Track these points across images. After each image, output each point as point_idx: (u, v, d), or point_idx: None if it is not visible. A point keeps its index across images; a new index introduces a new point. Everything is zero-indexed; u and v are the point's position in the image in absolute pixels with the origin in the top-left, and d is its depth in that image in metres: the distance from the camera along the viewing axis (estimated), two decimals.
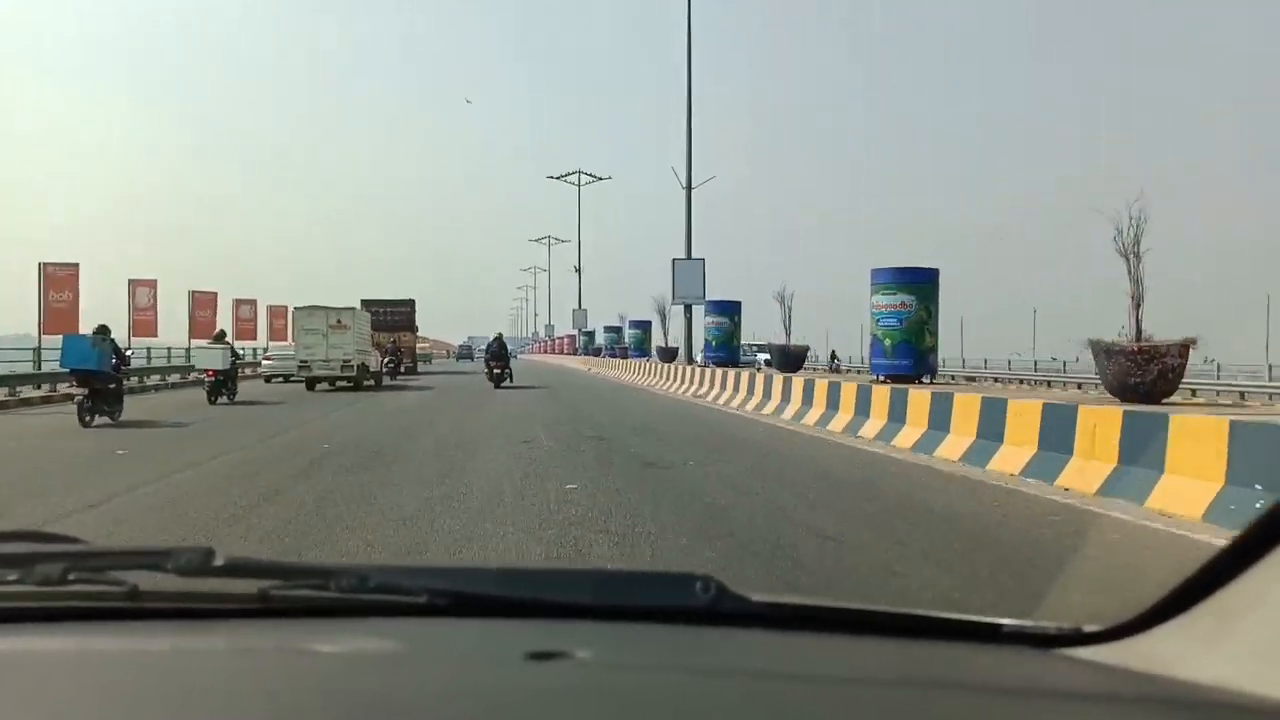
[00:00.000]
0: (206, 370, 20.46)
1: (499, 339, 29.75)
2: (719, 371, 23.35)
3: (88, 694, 0.95)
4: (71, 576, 1.14)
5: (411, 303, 41.22)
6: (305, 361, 26.64)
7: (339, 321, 27.04)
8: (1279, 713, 0.85)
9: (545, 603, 1.19)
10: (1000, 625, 1.16)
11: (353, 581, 1.16)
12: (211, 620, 1.19)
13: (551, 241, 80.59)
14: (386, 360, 32.39)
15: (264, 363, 32.90)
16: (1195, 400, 15.50)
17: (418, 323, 43.06)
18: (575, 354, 64.21)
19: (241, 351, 25.86)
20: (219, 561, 1.13)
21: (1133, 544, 6.33)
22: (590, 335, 63.64)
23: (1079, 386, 27.10)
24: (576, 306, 65.74)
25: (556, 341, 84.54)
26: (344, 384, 26.93)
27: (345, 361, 26.58)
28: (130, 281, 31.04)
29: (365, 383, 27.88)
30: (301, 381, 27.02)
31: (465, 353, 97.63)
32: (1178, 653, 0.98)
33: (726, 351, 27.81)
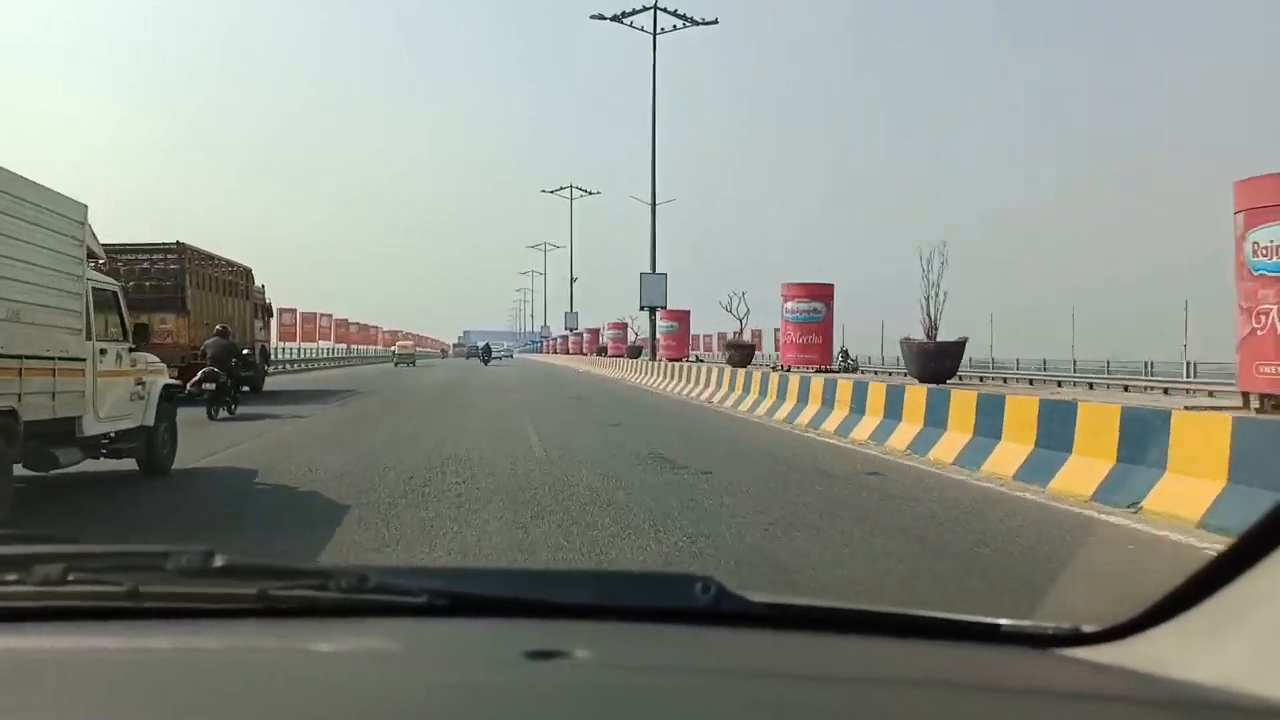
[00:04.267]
0: None
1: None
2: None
3: (88, 694, 0.95)
4: (71, 577, 1.13)
5: (181, 250, 18.72)
6: None
7: None
8: (1278, 713, 0.86)
9: (545, 603, 1.19)
10: (999, 625, 1.17)
11: (352, 582, 1.16)
12: (211, 620, 1.19)
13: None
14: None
15: None
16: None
17: (267, 297, 25.25)
18: (592, 354, 57.79)
19: None
20: (219, 562, 1.14)
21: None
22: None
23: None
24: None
25: (563, 340, 79.64)
26: None
27: None
28: None
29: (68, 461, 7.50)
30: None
31: (474, 351, 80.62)
32: (1177, 653, 0.99)
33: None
